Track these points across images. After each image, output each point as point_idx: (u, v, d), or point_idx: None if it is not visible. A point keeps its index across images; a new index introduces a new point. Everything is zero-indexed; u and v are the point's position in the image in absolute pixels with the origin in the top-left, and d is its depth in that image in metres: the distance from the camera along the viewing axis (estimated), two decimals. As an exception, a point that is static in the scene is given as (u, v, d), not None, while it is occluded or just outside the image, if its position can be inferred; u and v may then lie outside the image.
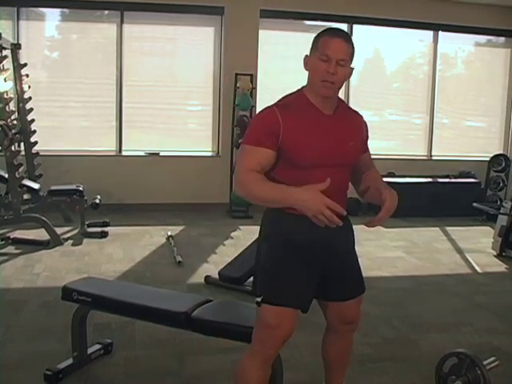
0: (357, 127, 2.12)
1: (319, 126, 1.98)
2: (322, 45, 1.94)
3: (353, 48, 1.97)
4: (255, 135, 1.96)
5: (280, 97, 2.07)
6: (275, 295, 1.99)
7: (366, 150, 2.20)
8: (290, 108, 1.98)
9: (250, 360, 2.08)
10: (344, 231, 2.09)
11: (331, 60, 1.91)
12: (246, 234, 5.82)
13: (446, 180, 7.72)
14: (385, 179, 2.19)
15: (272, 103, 2.02)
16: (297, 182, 1.92)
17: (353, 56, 1.98)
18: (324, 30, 1.99)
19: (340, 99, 2.10)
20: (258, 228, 2.11)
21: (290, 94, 2.06)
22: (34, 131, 6.13)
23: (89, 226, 5.88)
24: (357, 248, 2.18)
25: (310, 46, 2.00)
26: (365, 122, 2.17)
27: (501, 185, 7.66)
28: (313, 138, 1.95)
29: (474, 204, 6.30)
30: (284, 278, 1.99)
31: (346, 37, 1.96)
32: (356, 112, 2.19)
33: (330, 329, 2.29)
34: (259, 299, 2.00)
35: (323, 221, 1.81)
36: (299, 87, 2.07)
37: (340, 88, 2.02)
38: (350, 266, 2.15)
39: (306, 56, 2.01)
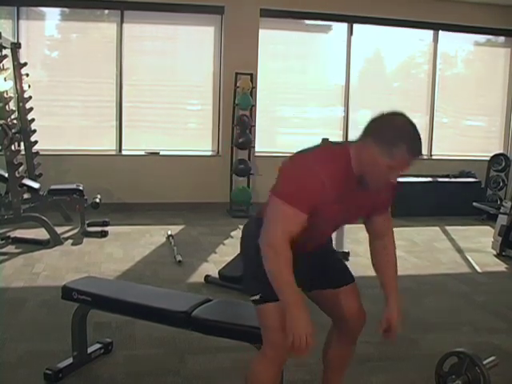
0: (384, 194, 2.00)
1: (352, 194, 1.90)
2: (398, 158, 1.76)
3: None
4: (298, 198, 1.80)
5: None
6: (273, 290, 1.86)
7: (385, 211, 2.09)
8: (335, 179, 1.83)
9: (263, 365, 2.00)
10: None
11: (398, 172, 1.84)
12: (246, 234, 5.82)
13: (446, 179, 7.72)
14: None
15: (315, 149, 1.91)
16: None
17: None
18: (404, 136, 1.76)
19: None
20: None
21: (335, 151, 1.92)
22: (34, 130, 6.13)
23: (89, 225, 5.88)
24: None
25: (379, 135, 1.77)
26: (396, 188, 2.02)
27: (501, 184, 7.65)
28: (342, 205, 1.88)
29: (474, 203, 6.30)
30: None
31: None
32: None
33: (332, 336, 2.26)
34: (256, 297, 1.94)
35: (295, 343, 1.83)
36: (345, 143, 1.96)
37: None
38: (330, 255, 2.23)
39: (369, 141, 1.79)
